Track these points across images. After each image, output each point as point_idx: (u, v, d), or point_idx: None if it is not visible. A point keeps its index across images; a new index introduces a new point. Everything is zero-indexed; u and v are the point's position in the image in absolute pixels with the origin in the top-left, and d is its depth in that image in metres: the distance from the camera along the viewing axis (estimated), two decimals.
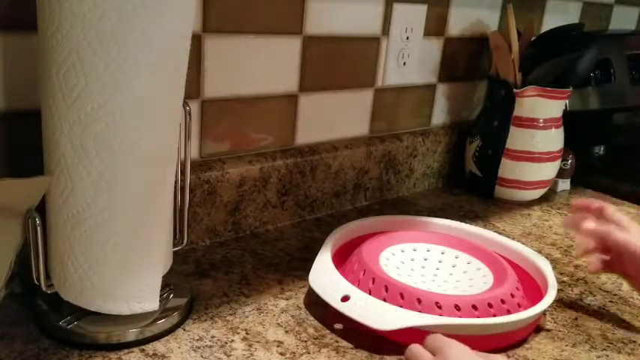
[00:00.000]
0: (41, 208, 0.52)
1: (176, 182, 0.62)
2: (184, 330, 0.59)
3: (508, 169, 0.98)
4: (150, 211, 0.53)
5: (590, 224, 0.67)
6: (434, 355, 0.51)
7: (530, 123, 0.96)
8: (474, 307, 0.60)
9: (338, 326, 0.61)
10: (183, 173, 0.63)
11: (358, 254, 0.68)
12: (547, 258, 0.75)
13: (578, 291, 0.74)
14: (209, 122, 0.75)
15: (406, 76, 0.96)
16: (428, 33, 0.96)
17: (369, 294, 0.61)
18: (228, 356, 0.55)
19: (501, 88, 0.98)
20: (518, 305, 0.63)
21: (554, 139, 0.98)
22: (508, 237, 0.81)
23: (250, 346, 0.57)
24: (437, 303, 0.60)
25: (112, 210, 0.52)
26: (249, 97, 0.78)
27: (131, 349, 0.55)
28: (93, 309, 0.55)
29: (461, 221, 0.81)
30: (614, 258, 0.64)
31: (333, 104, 0.88)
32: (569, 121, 1.01)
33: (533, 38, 1.01)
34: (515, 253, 0.74)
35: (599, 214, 0.68)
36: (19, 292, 0.61)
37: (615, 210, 0.68)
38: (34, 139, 0.54)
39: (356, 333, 0.60)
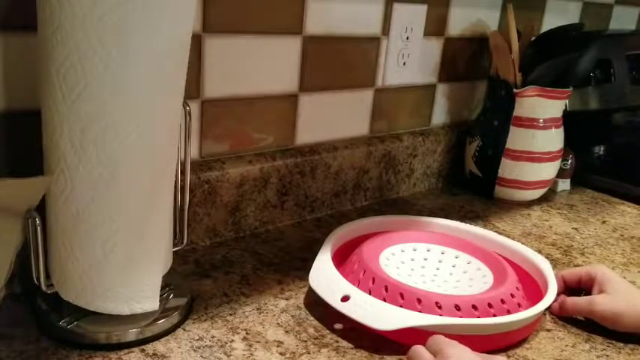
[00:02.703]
0: (41, 208, 0.52)
1: (176, 182, 0.62)
2: (184, 330, 0.59)
3: (508, 169, 0.98)
4: (150, 211, 0.53)
5: (568, 306, 0.66)
6: (435, 356, 0.51)
7: (530, 123, 0.96)
8: (474, 307, 0.60)
9: (338, 326, 0.61)
10: (183, 173, 0.63)
11: (358, 254, 0.68)
12: (547, 258, 0.75)
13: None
14: (209, 122, 0.75)
15: (406, 76, 0.96)
16: (428, 33, 0.96)
17: (369, 294, 0.61)
18: (228, 356, 0.55)
19: (501, 88, 0.98)
20: (518, 305, 0.63)
21: (554, 139, 0.98)
22: (508, 237, 0.81)
23: (250, 346, 0.57)
24: (437, 303, 0.60)
25: (112, 210, 0.52)
26: (249, 97, 0.78)
27: (131, 349, 0.55)
28: (93, 309, 0.55)
29: (461, 221, 0.81)
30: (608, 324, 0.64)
31: (333, 104, 0.88)
32: (569, 121, 1.01)
33: (533, 38, 1.01)
34: (515, 253, 0.74)
35: (587, 278, 0.68)
36: (19, 292, 0.61)
37: (599, 269, 0.67)
38: (34, 139, 0.54)
39: (356, 333, 0.60)
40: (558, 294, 0.66)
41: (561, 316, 0.67)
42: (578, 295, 0.68)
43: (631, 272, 0.80)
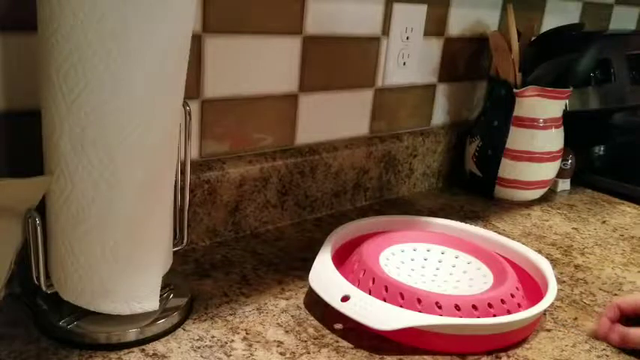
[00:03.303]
0: (41, 208, 0.52)
1: (176, 182, 0.62)
2: (184, 330, 0.59)
3: (508, 169, 0.98)
4: (150, 211, 0.54)
5: (634, 338, 0.61)
6: None
7: (530, 123, 0.96)
8: (474, 307, 0.60)
9: (338, 326, 0.61)
10: (183, 173, 0.63)
11: (358, 254, 0.68)
12: (547, 258, 0.75)
13: (578, 291, 0.74)
14: (209, 122, 0.75)
15: (406, 76, 0.96)
16: (428, 33, 0.96)
17: (369, 294, 0.61)
18: (228, 356, 0.55)
19: (501, 88, 0.98)
20: (518, 305, 0.63)
21: (554, 139, 0.98)
22: (508, 237, 0.81)
23: (250, 346, 0.57)
24: (437, 303, 0.60)
25: (112, 210, 0.52)
26: (249, 97, 0.78)
27: (131, 349, 0.55)
28: (93, 309, 0.55)
29: (461, 221, 0.81)
30: None
31: (333, 104, 0.88)
32: (569, 121, 1.01)
33: (533, 38, 1.01)
34: (515, 253, 0.74)
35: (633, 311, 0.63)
36: (19, 292, 0.61)
37: None
38: (34, 139, 0.54)
39: (356, 333, 0.60)
40: (611, 322, 0.63)
41: (623, 348, 0.62)
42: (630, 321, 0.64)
43: (631, 272, 0.80)
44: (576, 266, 0.80)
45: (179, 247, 0.65)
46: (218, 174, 0.75)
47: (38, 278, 0.54)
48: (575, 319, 0.67)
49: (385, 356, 0.58)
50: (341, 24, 0.84)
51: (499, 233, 0.81)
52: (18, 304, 0.59)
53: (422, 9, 0.93)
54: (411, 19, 0.92)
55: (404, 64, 0.94)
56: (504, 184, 0.99)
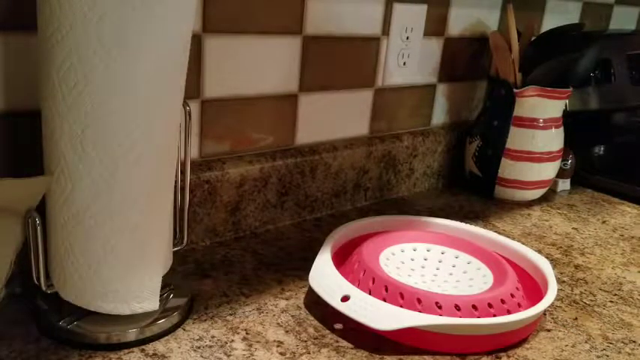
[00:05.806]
0: (41, 208, 0.52)
1: (176, 182, 0.62)
2: (184, 330, 0.59)
3: (508, 169, 0.98)
4: (150, 211, 0.54)
5: None
6: None
7: (530, 123, 0.96)
8: (474, 307, 0.60)
9: (338, 326, 0.61)
10: (183, 173, 0.63)
11: (358, 254, 0.68)
12: (547, 258, 0.75)
13: (578, 291, 0.74)
14: (209, 122, 0.75)
15: (406, 76, 0.96)
16: (428, 33, 0.96)
17: (369, 294, 0.61)
18: (228, 356, 0.55)
19: (501, 88, 0.98)
20: (518, 305, 0.63)
21: (554, 139, 0.98)
22: (508, 237, 0.81)
23: (250, 346, 0.57)
24: (437, 303, 0.60)
25: (112, 210, 0.52)
26: (250, 97, 0.78)
27: (131, 349, 0.55)
28: (93, 309, 0.55)
29: (461, 221, 0.81)
30: None
31: (333, 104, 0.88)
32: (569, 121, 1.01)
33: (533, 38, 1.01)
34: (515, 253, 0.74)
35: None
36: (19, 292, 0.61)
37: None
38: (34, 139, 0.54)
39: (356, 333, 0.60)
40: None
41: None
42: None
43: (631, 272, 0.80)
44: (576, 266, 0.80)
45: (179, 247, 0.65)
46: (218, 174, 0.75)
47: (38, 278, 0.54)
48: (575, 319, 0.67)
49: (385, 356, 0.58)
50: (341, 24, 0.84)
51: (499, 233, 0.81)
52: (18, 304, 0.60)
53: (422, 9, 0.93)
54: (411, 19, 0.92)
55: (404, 64, 0.94)
56: (504, 184, 0.99)
